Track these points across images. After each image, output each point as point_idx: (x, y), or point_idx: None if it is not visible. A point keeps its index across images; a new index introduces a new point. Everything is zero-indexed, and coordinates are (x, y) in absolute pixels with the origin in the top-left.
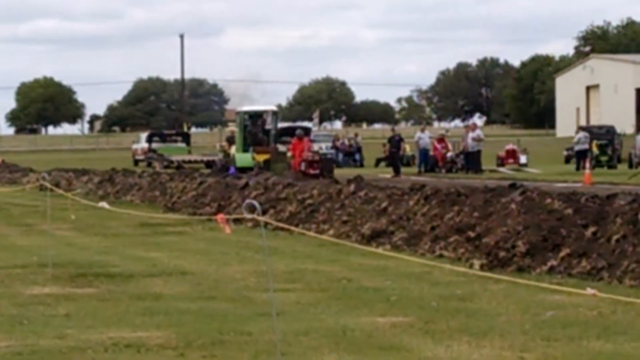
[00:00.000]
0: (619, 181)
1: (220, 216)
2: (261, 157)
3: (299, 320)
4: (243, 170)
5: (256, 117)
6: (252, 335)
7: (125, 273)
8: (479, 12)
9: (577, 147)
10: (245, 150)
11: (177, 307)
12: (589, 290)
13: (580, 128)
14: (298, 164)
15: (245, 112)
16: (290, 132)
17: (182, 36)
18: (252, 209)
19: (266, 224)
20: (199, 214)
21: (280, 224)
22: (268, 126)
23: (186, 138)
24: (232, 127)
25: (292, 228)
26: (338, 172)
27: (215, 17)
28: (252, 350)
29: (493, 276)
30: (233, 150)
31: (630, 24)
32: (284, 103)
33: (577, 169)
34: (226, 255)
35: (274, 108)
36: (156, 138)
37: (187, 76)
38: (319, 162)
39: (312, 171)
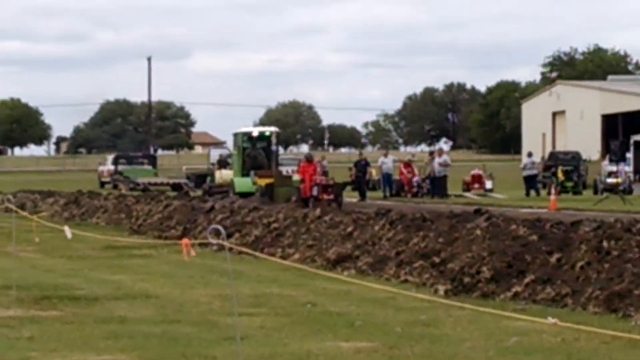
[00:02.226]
0: (584, 207)
1: (184, 241)
2: (263, 182)
3: (263, 345)
4: (243, 195)
5: (256, 138)
6: (217, 359)
7: (90, 296)
8: (443, 38)
9: (524, 173)
10: (244, 175)
11: (141, 330)
12: (550, 320)
13: (528, 154)
14: (309, 188)
15: (244, 134)
16: None
17: (149, 59)
18: (217, 233)
19: (231, 247)
20: (165, 237)
21: (244, 249)
22: (272, 148)
23: (152, 160)
24: (199, 150)
25: (256, 253)
26: None
27: (182, 40)
28: None
29: (456, 304)
30: (220, 174)
31: (597, 51)
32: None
33: (527, 194)
34: (191, 279)
35: (276, 129)
36: (122, 160)
37: (154, 99)
38: (333, 186)
39: (326, 196)
